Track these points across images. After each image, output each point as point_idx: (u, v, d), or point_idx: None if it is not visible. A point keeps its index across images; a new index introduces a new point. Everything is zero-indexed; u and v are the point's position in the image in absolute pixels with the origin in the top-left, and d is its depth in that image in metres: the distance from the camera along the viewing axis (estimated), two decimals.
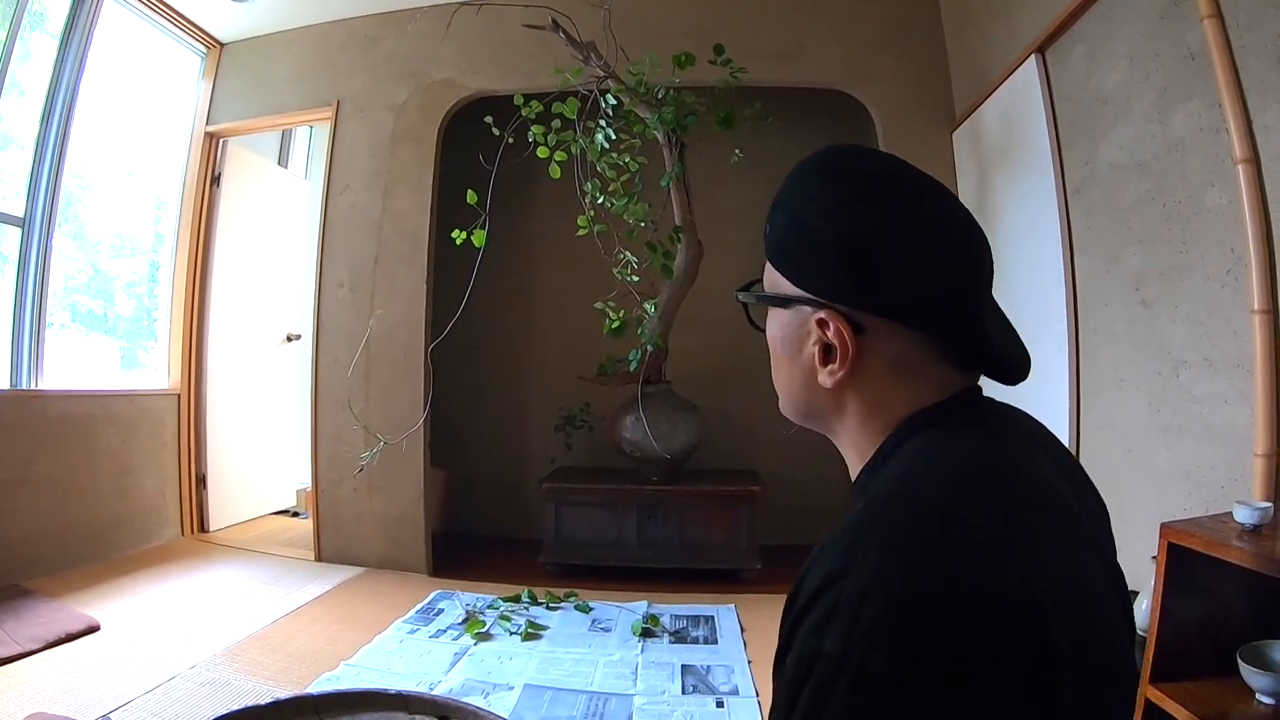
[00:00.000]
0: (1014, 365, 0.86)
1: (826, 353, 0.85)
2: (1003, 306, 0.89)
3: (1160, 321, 2.74)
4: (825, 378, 0.85)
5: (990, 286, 0.86)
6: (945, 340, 0.82)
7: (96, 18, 4.61)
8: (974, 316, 0.81)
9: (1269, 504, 1.85)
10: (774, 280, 0.92)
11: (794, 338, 0.89)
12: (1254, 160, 2.26)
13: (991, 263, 0.87)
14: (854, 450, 0.90)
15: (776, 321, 0.92)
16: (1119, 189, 3.00)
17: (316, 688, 3.07)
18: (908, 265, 0.80)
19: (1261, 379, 2.21)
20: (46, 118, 4.46)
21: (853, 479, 0.90)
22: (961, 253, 0.83)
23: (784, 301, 0.89)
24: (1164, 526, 1.91)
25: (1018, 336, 0.88)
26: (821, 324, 0.84)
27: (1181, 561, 1.87)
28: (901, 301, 0.80)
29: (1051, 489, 0.79)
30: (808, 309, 0.86)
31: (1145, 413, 2.82)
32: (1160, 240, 2.74)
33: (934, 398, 0.84)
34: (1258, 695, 1.81)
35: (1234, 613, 1.96)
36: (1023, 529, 0.69)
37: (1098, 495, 0.90)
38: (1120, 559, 0.88)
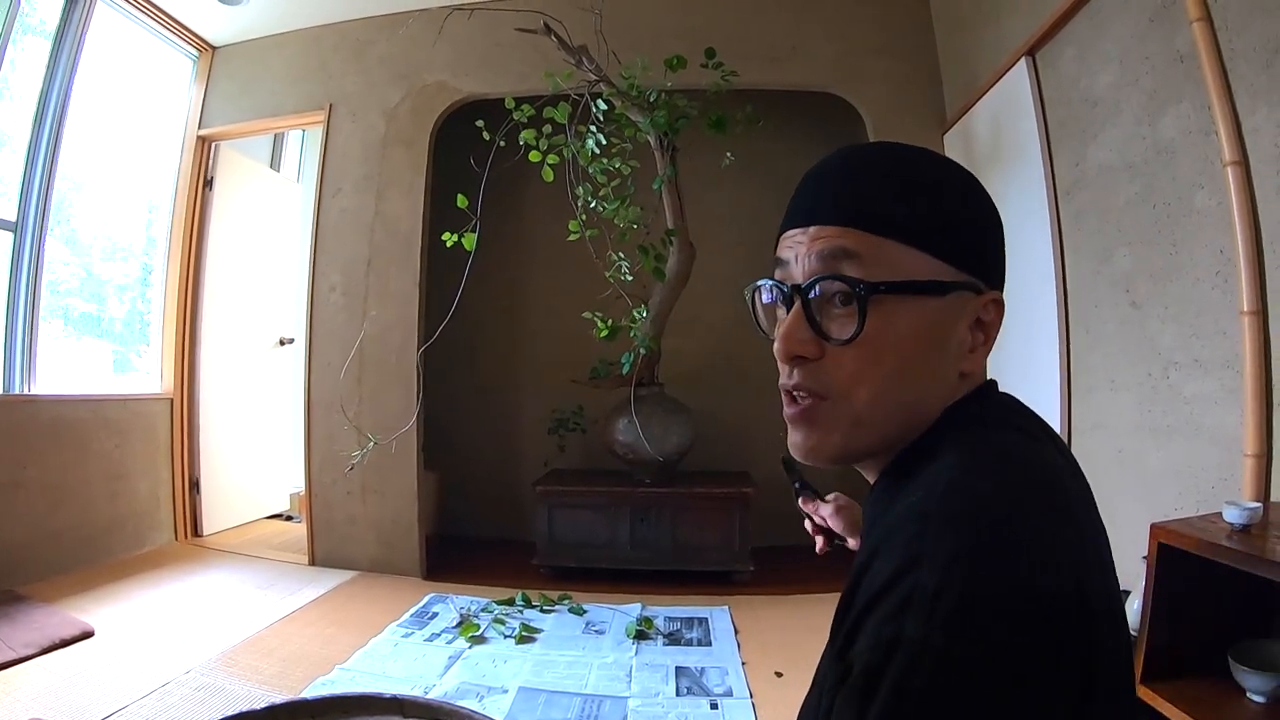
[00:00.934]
0: None
1: (977, 333, 0.86)
2: None
3: (1150, 322, 2.75)
4: (969, 363, 0.85)
5: None
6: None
7: (89, 21, 4.60)
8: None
9: (1259, 504, 1.86)
10: (911, 266, 0.82)
11: (937, 327, 0.83)
12: (1243, 162, 2.28)
13: None
14: (894, 433, 0.85)
15: (917, 312, 0.82)
16: (1109, 191, 3.02)
17: (311, 692, 3.07)
18: (1001, 244, 0.90)
19: (1251, 380, 2.22)
20: (39, 121, 4.45)
21: (877, 470, 0.89)
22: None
23: (942, 287, 0.82)
24: (1154, 527, 1.92)
25: None
26: (980, 305, 0.85)
27: (1172, 561, 1.88)
28: (999, 280, 0.88)
29: (1081, 486, 0.81)
30: (967, 292, 0.83)
31: (1135, 413, 2.83)
32: (1150, 242, 2.75)
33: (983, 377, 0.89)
34: (1249, 694, 1.82)
35: (1225, 612, 1.97)
36: (1076, 525, 0.71)
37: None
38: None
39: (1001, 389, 0.91)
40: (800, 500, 1.54)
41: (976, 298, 0.84)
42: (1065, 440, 3.31)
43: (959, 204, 0.86)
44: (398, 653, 3.46)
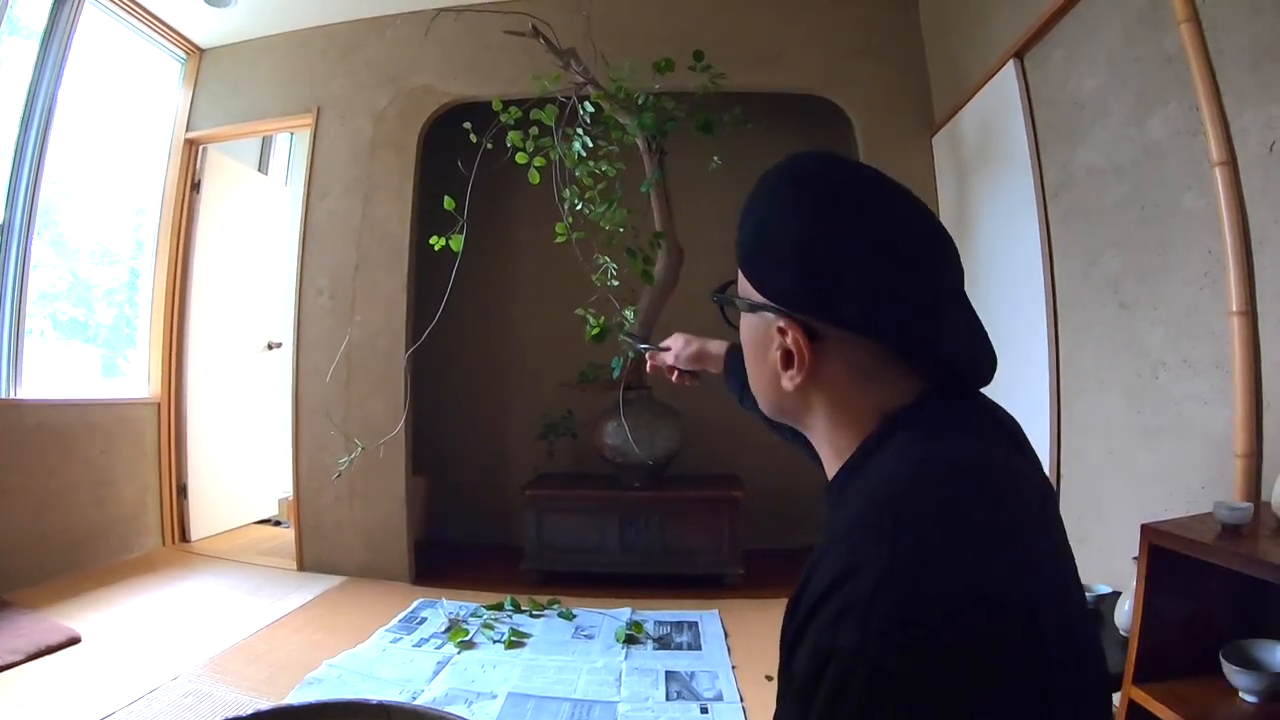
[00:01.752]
0: (973, 374, 0.88)
1: (787, 358, 0.88)
2: (982, 310, 0.89)
3: (1139, 323, 2.75)
4: (786, 382, 0.89)
5: (954, 293, 0.88)
6: (898, 349, 0.84)
7: (76, 23, 4.58)
8: (927, 327, 0.83)
9: (1249, 504, 1.86)
10: (744, 285, 0.95)
11: (760, 342, 0.93)
12: (1231, 163, 2.28)
13: (956, 269, 0.89)
14: (830, 448, 0.92)
15: (746, 324, 0.97)
16: (1097, 192, 3.02)
17: (299, 688, 3.07)
18: (862, 276, 0.82)
19: (1240, 380, 2.22)
20: (25, 123, 4.42)
21: (829, 476, 0.93)
22: (919, 262, 0.84)
23: (750, 307, 0.93)
24: (1145, 527, 1.92)
25: (985, 342, 0.89)
26: (781, 331, 0.87)
27: (1163, 562, 1.88)
28: (855, 312, 0.82)
29: (1033, 487, 0.83)
30: (771, 315, 0.89)
31: (1125, 414, 2.84)
32: (1138, 243, 2.76)
33: (902, 399, 0.86)
34: (1241, 694, 1.82)
35: (1216, 612, 1.96)
36: (1015, 530, 0.73)
37: (1056, 497, 0.93)
38: (1102, 560, 0.90)
39: (991, 390, 0.93)
40: (649, 360, 1.89)
41: (776, 321, 0.88)
42: (1054, 442, 3.31)
43: (760, 234, 0.91)
44: (386, 657, 3.45)
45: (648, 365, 1.85)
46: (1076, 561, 0.83)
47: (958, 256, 0.90)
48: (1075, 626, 0.74)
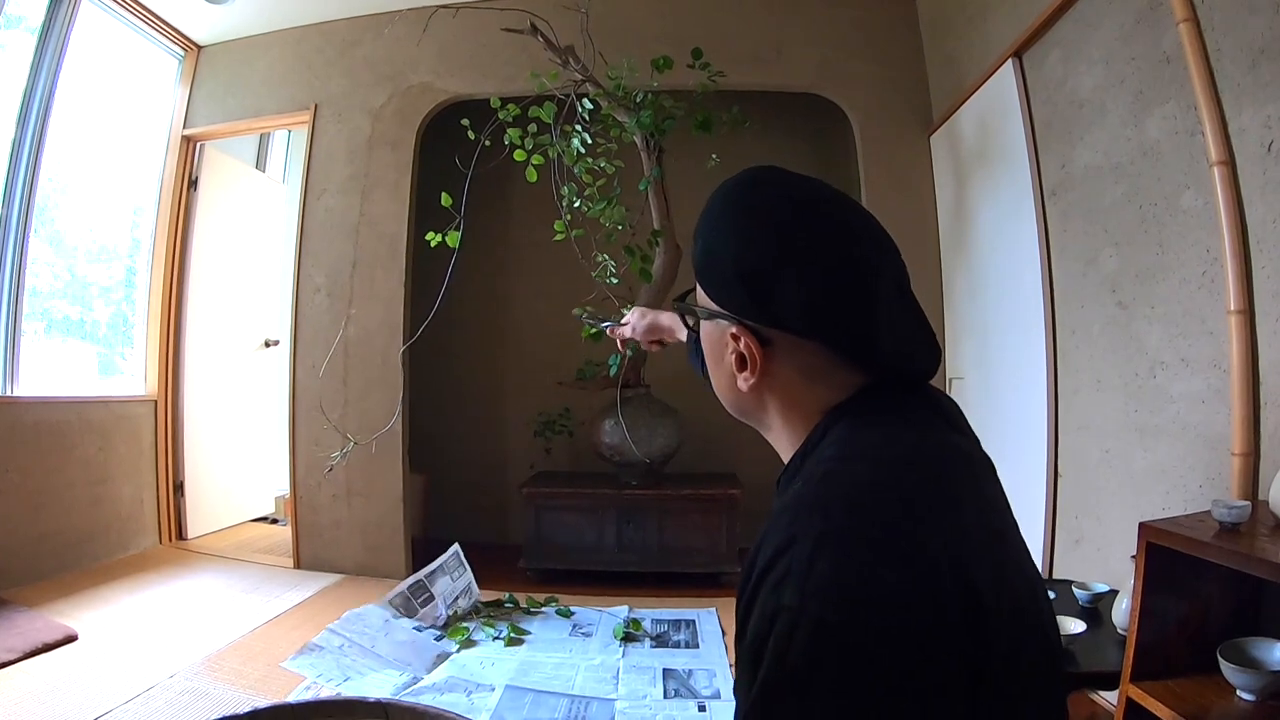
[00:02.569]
0: (916, 369, 0.93)
1: (741, 362, 0.94)
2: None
3: (1137, 323, 2.76)
4: (741, 383, 0.96)
5: (894, 294, 0.91)
6: (837, 350, 0.89)
7: (74, 19, 4.57)
8: (863, 329, 0.87)
9: (1246, 503, 1.86)
10: (701, 294, 1.02)
11: (717, 346, 1.01)
12: (1229, 162, 2.28)
13: (894, 270, 0.93)
14: (784, 442, 0.99)
15: (704, 330, 1.04)
16: (1095, 191, 3.02)
17: (292, 660, 3.11)
18: (798, 287, 0.87)
19: (1238, 379, 2.23)
20: (22, 120, 4.41)
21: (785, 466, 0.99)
22: (852, 270, 0.89)
23: (705, 314, 1.00)
24: (1143, 526, 1.93)
25: (927, 338, 0.94)
26: (734, 337, 0.94)
27: (1160, 561, 1.88)
28: (795, 318, 0.88)
29: (965, 464, 0.89)
30: (725, 323, 0.95)
31: (1123, 413, 2.84)
32: (1136, 242, 2.76)
33: (845, 395, 0.92)
34: (1239, 692, 1.83)
35: (1213, 611, 1.97)
36: (944, 500, 0.78)
37: (999, 484, 0.96)
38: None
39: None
40: (611, 332, 1.96)
41: (729, 327, 0.94)
42: (1051, 441, 3.31)
43: (706, 247, 0.98)
44: (388, 628, 3.47)
45: (615, 337, 1.98)
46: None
47: (897, 258, 0.94)
48: (1028, 626, 0.79)
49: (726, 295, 0.95)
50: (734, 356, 0.95)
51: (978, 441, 0.98)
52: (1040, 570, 0.92)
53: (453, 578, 4.03)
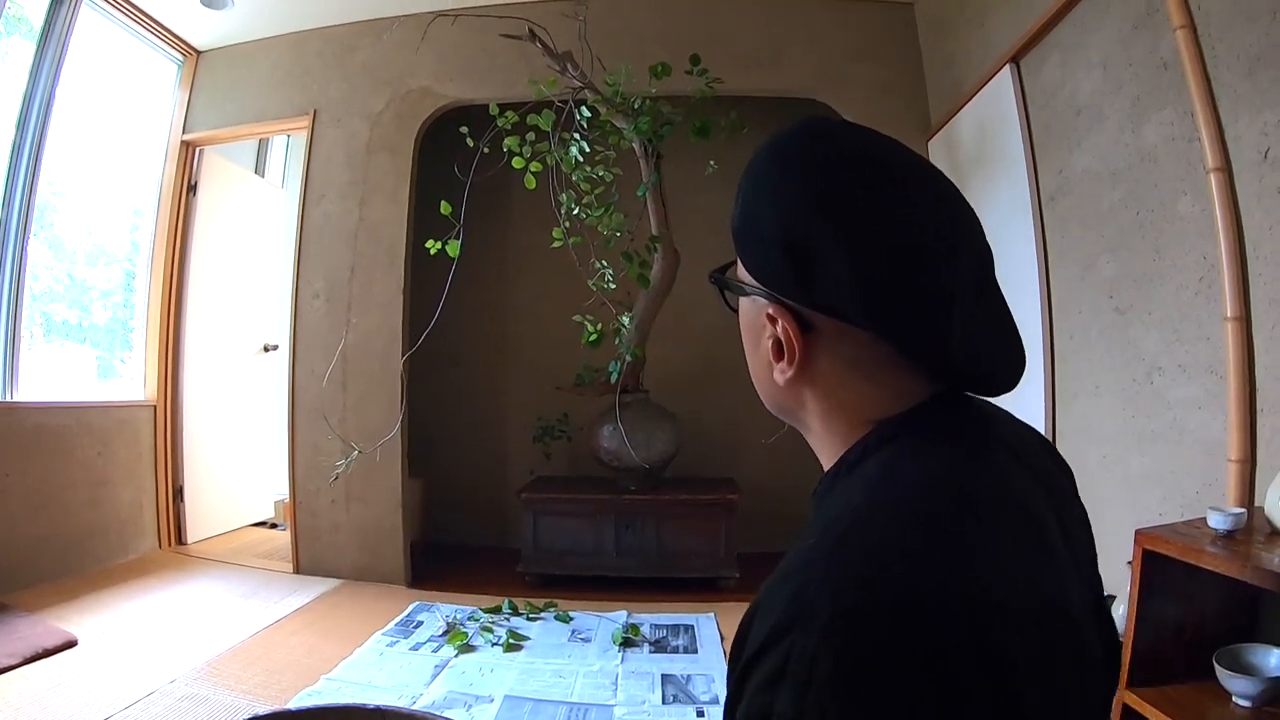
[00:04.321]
0: (990, 378, 0.78)
1: (778, 349, 0.80)
2: None
3: (1134, 328, 2.76)
4: (778, 375, 0.81)
5: (975, 286, 0.76)
6: (897, 344, 0.74)
7: (73, 24, 4.57)
8: (932, 322, 0.73)
9: (1242, 509, 1.87)
10: (740, 267, 0.88)
11: (753, 328, 0.86)
12: (1226, 169, 2.29)
13: (978, 258, 0.78)
14: (823, 449, 0.85)
15: (742, 309, 0.89)
16: (1093, 197, 3.03)
17: (297, 703, 3.05)
18: (854, 262, 0.73)
19: (1234, 385, 2.23)
20: (22, 124, 4.41)
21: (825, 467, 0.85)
22: (924, 249, 0.74)
23: (742, 290, 0.86)
24: (1139, 533, 1.93)
25: (1012, 342, 0.80)
26: (771, 319, 0.80)
27: (1157, 567, 1.89)
28: (848, 300, 0.74)
29: (1023, 507, 0.73)
30: (761, 301, 0.82)
31: (1119, 419, 2.84)
32: (1133, 248, 2.77)
33: (899, 403, 0.78)
34: (1235, 698, 1.83)
35: (1209, 617, 1.97)
36: (985, 578, 0.62)
37: (1080, 504, 0.86)
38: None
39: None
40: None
41: (766, 306, 0.81)
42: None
43: (748, 209, 0.83)
44: (383, 661, 3.45)
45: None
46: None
47: (981, 241, 0.79)
48: (1068, 686, 0.65)
49: (765, 267, 0.80)
50: (770, 342, 0.81)
51: (1045, 471, 0.84)
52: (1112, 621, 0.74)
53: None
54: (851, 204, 0.74)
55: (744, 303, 0.87)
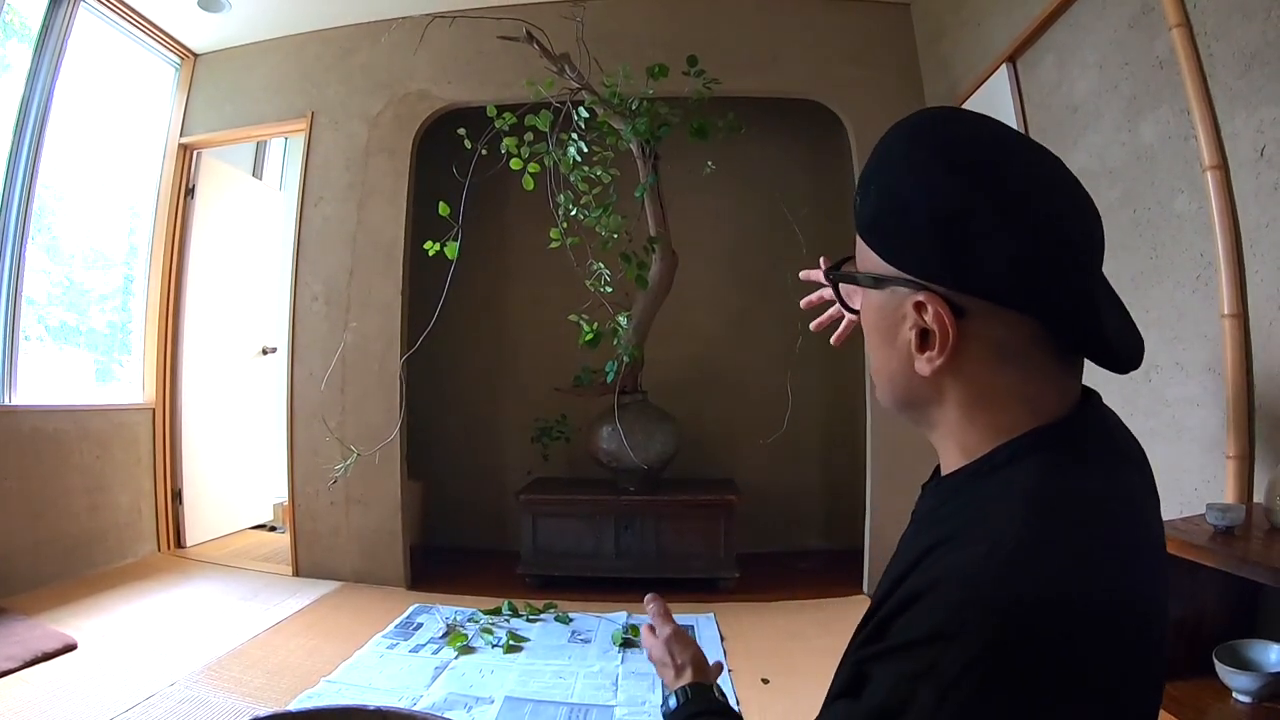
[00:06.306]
0: (1127, 352, 0.79)
1: (923, 338, 0.78)
2: None
3: None
4: (923, 365, 0.78)
5: (1101, 263, 0.80)
6: (1052, 323, 0.75)
7: (71, 27, 4.57)
8: (1084, 296, 0.74)
9: (1241, 506, 1.87)
10: (867, 258, 0.85)
11: (889, 321, 0.82)
12: (1222, 167, 2.29)
13: (1102, 236, 0.80)
14: (955, 444, 0.82)
15: (870, 304, 0.86)
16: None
17: (297, 706, 3.05)
18: (1007, 239, 0.72)
19: (1232, 382, 2.24)
20: (19, 128, 4.41)
21: (944, 471, 0.85)
22: (1068, 225, 0.76)
23: (878, 281, 0.83)
24: None
25: (1132, 321, 0.81)
26: (919, 307, 0.77)
27: None
28: (1002, 280, 0.73)
29: (1153, 542, 0.80)
30: (904, 290, 0.79)
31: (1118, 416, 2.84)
32: (1131, 246, 2.77)
33: (1048, 398, 0.78)
34: (1235, 694, 1.83)
35: (1209, 614, 1.98)
36: (1133, 627, 0.70)
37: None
38: None
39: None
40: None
41: (911, 295, 0.78)
42: None
43: (887, 196, 0.81)
44: (384, 664, 3.44)
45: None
46: None
47: (1102, 227, 0.80)
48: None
49: (912, 254, 0.78)
50: (914, 332, 0.78)
51: (1155, 490, 0.87)
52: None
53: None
54: (1003, 180, 0.74)
55: (873, 297, 0.85)
